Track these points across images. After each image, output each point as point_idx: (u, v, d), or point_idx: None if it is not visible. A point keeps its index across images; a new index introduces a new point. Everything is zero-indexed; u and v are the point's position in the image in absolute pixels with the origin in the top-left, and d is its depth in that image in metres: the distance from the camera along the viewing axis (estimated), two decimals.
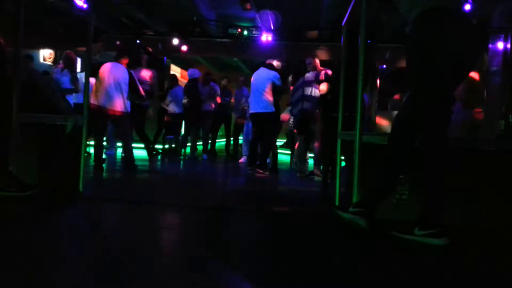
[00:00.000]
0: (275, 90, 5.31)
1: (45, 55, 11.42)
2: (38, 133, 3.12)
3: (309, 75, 5.28)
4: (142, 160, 5.57)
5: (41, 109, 3.16)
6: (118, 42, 10.42)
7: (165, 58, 11.27)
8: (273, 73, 5.35)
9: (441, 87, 2.22)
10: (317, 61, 5.31)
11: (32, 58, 6.51)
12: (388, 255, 2.07)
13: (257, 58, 9.96)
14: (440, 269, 1.88)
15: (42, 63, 10.83)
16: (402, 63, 8.64)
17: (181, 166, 6.42)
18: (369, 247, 2.19)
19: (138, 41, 10.11)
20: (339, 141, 3.00)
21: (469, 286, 1.69)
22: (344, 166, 3.13)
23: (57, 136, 3.12)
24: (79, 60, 12.73)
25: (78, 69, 12.93)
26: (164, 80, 9.84)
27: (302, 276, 1.69)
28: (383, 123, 7.97)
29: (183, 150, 7.41)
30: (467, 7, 7.24)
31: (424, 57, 2.22)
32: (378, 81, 9.09)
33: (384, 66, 10.17)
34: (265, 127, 5.39)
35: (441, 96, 2.23)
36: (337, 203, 2.91)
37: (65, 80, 6.16)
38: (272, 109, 5.31)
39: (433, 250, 2.08)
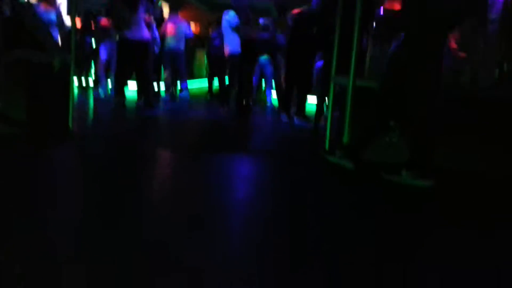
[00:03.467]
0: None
1: None
2: (24, 71, 3.01)
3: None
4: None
5: (26, 45, 3.01)
6: None
7: None
8: (227, 12, 5.23)
9: (434, 36, 2.23)
10: None
11: None
12: (377, 200, 2.15)
13: None
14: (428, 211, 1.96)
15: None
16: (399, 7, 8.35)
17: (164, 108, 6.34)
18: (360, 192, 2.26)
19: None
20: (332, 85, 2.98)
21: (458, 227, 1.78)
22: (337, 112, 3.14)
23: (45, 74, 3.03)
24: None
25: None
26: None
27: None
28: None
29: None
30: None
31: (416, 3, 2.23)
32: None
33: (381, 10, 9.85)
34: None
35: (435, 45, 2.25)
36: (327, 147, 2.96)
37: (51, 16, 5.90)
38: (228, 50, 5.25)
39: (419, 191, 2.17)
